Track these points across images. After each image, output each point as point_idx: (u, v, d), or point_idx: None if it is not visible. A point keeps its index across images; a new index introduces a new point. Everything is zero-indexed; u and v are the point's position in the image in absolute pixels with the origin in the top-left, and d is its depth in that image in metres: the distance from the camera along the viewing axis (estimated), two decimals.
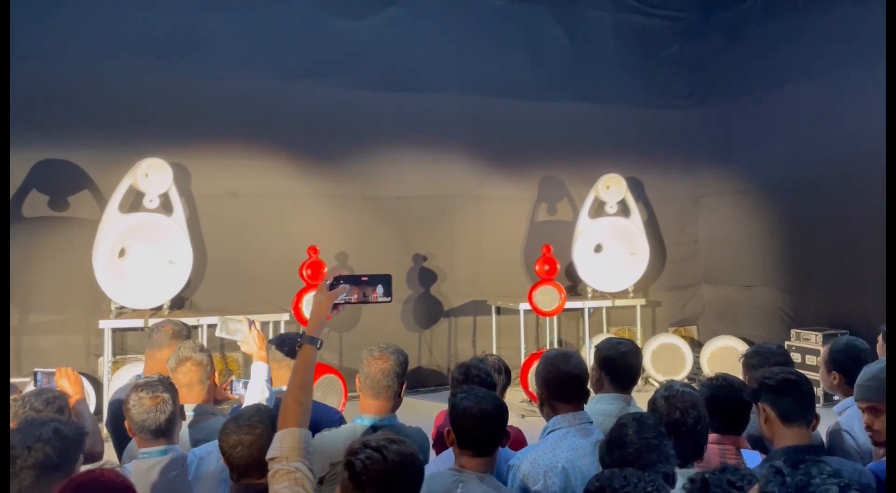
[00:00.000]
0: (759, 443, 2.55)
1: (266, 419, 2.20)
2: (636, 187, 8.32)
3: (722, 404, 2.45)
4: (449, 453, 2.56)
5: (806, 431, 2.32)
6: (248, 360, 6.81)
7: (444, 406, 3.53)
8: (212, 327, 6.22)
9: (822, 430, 2.64)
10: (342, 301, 2.24)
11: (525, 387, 6.75)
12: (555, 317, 7.43)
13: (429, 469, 2.48)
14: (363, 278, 2.29)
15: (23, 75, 6.28)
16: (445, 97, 7.90)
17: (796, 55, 7.64)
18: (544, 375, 2.53)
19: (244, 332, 2.91)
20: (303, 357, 2.04)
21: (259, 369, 2.84)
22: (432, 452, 3.00)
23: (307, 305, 6.32)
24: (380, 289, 2.33)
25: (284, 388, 2.91)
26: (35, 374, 3.15)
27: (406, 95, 7.75)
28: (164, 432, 2.44)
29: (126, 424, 2.49)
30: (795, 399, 2.31)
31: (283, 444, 1.89)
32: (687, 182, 8.95)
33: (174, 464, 2.43)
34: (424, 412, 3.65)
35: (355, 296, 2.27)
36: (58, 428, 2.10)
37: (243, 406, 2.65)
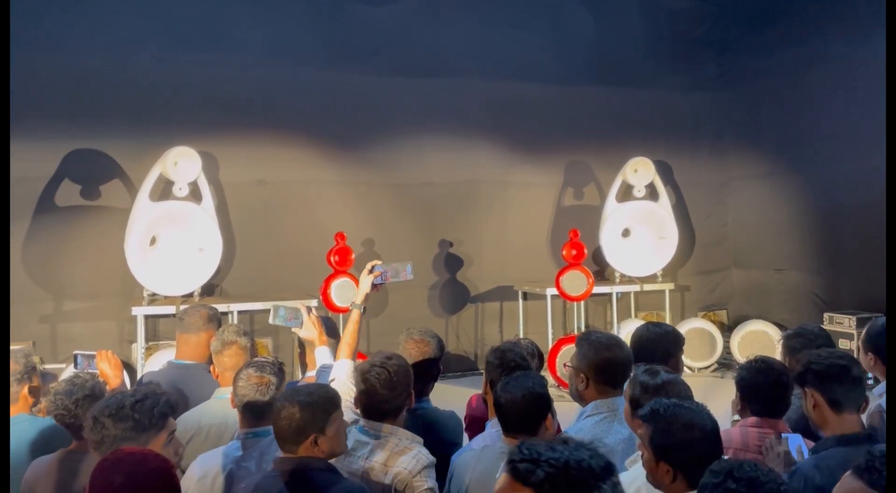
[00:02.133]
0: (798, 426, 2.51)
1: (317, 402, 2.19)
2: (664, 171, 8.21)
3: (762, 387, 2.41)
4: (481, 437, 2.59)
5: (856, 417, 2.26)
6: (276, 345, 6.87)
7: (473, 391, 3.57)
8: (242, 313, 6.31)
9: None
10: (379, 282, 3.09)
11: (553, 372, 6.74)
12: (582, 302, 7.40)
13: (476, 444, 2.51)
14: (392, 265, 3.13)
15: (53, 67, 6.39)
16: (470, 82, 7.86)
17: (828, 36, 7.46)
18: (595, 360, 2.52)
19: (303, 319, 3.06)
20: (353, 319, 2.98)
21: (323, 353, 3.00)
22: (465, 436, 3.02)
23: (336, 291, 6.37)
24: (408, 269, 3.12)
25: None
26: (75, 357, 3.20)
27: (430, 80, 7.72)
28: (260, 413, 2.49)
29: (230, 395, 2.57)
30: (845, 386, 2.23)
31: (338, 369, 2.81)
32: (716, 165, 8.81)
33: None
34: (451, 397, 3.66)
35: (389, 273, 3.09)
36: (135, 400, 2.19)
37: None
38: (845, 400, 2.24)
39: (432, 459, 2.36)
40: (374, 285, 3.08)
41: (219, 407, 2.78)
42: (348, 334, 2.93)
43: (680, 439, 1.89)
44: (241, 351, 2.98)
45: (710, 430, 1.91)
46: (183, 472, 2.53)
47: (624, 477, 2.12)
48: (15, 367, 2.82)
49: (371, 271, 3.07)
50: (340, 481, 2.15)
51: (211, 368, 3.05)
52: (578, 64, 8.23)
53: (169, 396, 2.29)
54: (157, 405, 2.21)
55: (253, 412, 2.50)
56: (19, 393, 2.83)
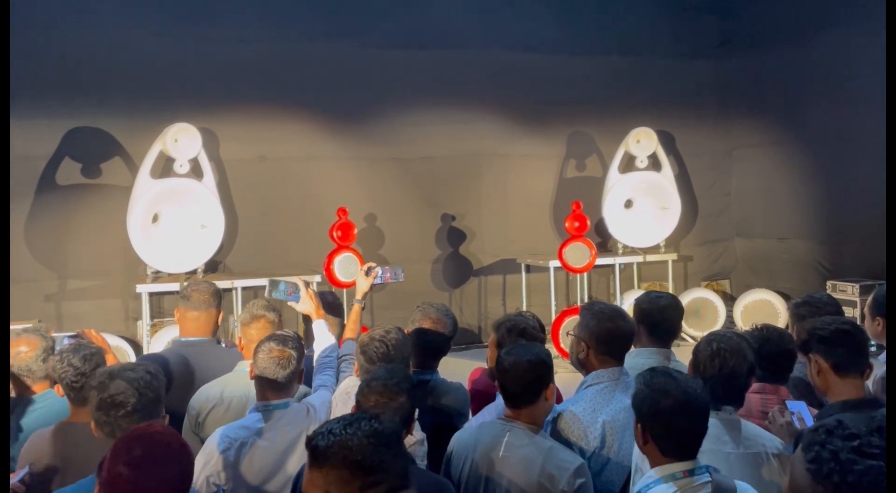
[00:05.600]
0: (800, 390, 2.52)
1: (409, 389, 2.20)
2: (667, 141, 8.16)
3: (767, 354, 2.42)
4: (491, 407, 2.61)
5: (860, 382, 2.28)
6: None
7: (476, 364, 3.59)
8: (246, 289, 6.33)
9: None
10: (379, 282, 3.50)
11: (556, 344, 6.77)
12: (585, 274, 7.40)
13: (475, 422, 2.54)
14: (386, 267, 3.51)
15: (50, 44, 6.34)
16: (470, 54, 7.78)
17: (831, 1, 7.36)
18: (598, 330, 2.52)
19: (301, 294, 3.17)
20: (355, 312, 3.32)
21: (321, 326, 3.11)
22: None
23: (339, 266, 6.37)
24: (400, 271, 3.56)
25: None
26: (62, 340, 3.18)
27: (430, 52, 7.65)
28: (280, 386, 2.53)
29: (250, 367, 2.59)
30: (850, 350, 2.26)
31: (346, 349, 3.06)
32: (719, 134, 8.75)
33: (302, 414, 2.57)
34: (455, 369, 3.69)
35: (388, 275, 3.50)
36: (148, 370, 2.22)
37: (317, 357, 3.00)
38: (849, 365, 2.26)
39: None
40: (371, 285, 3.46)
41: (242, 379, 2.81)
42: (351, 323, 3.25)
43: (651, 403, 1.93)
44: (268, 325, 3.00)
45: (684, 401, 1.90)
46: (202, 442, 2.57)
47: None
48: (41, 343, 2.83)
49: (368, 273, 3.42)
50: (420, 473, 2.14)
51: (238, 339, 3.09)
52: (579, 33, 8.14)
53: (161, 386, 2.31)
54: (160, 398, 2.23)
55: (272, 385, 2.52)
56: (46, 369, 2.83)
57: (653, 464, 1.95)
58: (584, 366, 2.57)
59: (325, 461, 1.49)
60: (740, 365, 2.27)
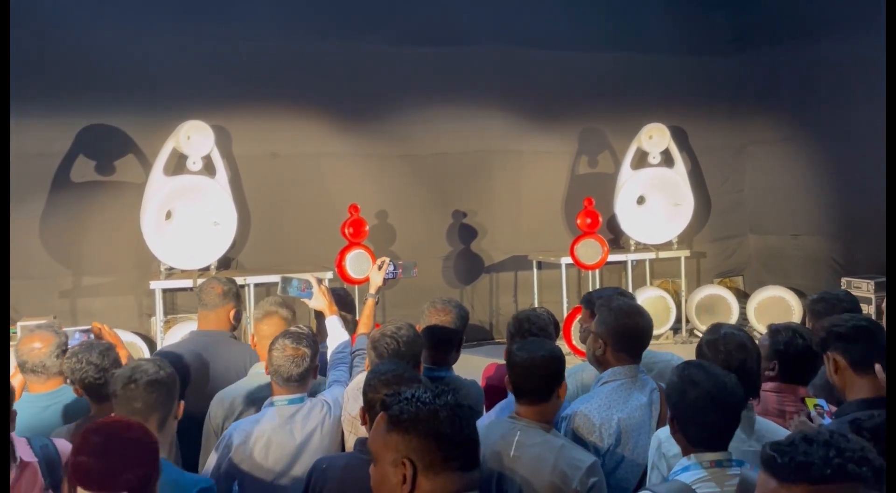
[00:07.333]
0: (817, 390, 2.51)
1: (418, 381, 2.21)
2: (680, 137, 8.11)
3: (793, 355, 2.40)
4: (505, 403, 2.60)
5: (879, 379, 2.27)
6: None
7: (489, 360, 3.59)
8: (259, 286, 6.35)
9: None
10: (389, 277, 3.53)
11: (568, 341, 6.75)
12: (597, 270, 7.38)
13: (487, 419, 2.54)
14: (399, 262, 3.59)
15: (64, 43, 6.38)
16: (482, 50, 7.76)
17: None
18: (616, 327, 2.51)
19: (314, 290, 3.20)
20: (368, 306, 3.33)
21: (334, 322, 3.13)
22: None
23: (350, 263, 6.38)
24: (417, 268, 3.66)
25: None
26: (73, 334, 3.19)
27: (442, 49, 7.64)
28: (295, 382, 2.57)
29: (265, 362, 2.63)
30: (868, 346, 2.24)
31: (359, 344, 3.03)
32: (732, 130, 8.68)
33: (317, 410, 2.60)
34: (468, 366, 3.69)
35: (400, 271, 3.56)
36: (160, 363, 2.24)
37: (330, 353, 3.01)
38: (868, 362, 2.24)
39: None
40: (384, 279, 3.49)
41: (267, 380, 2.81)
42: (364, 317, 3.26)
43: (679, 393, 1.95)
44: (281, 321, 3.02)
45: (712, 394, 1.90)
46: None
47: (661, 431, 2.24)
48: (54, 339, 2.85)
49: (380, 267, 3.46)
50: None
51: (251, 336, 3.12)
52: (591, 29, 8.10)
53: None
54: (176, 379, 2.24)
55: (287, 382, 2.55)
56: (62, 364, 2.84)
57: (683, 453, 1.97)
58: (600, 363, 2.56)
59: (410, 428, 1.48)
60: (749, 359, 2.27)
